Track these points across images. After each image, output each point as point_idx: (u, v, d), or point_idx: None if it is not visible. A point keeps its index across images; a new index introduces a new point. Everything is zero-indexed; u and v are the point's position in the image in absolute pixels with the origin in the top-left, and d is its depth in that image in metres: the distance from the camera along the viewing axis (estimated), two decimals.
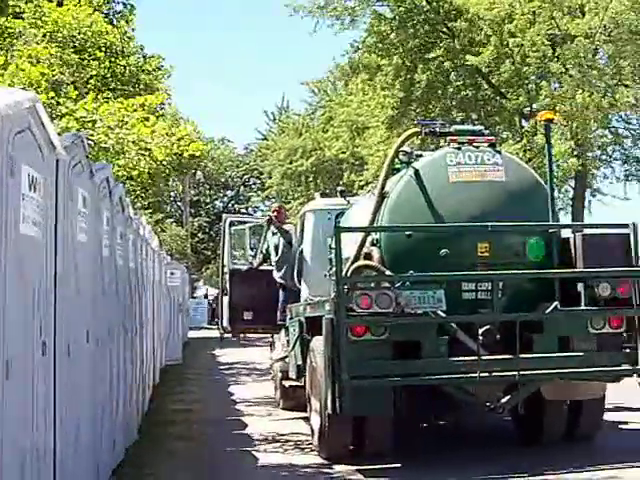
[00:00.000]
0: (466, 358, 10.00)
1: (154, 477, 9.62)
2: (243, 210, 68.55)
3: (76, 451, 7.21)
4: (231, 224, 17.42)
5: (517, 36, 29.15)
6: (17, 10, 21.79)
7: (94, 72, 21.89)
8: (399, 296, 9.83)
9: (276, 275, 15.00)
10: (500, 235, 10.57)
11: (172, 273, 26.88)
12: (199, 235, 69.50)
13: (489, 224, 10.26)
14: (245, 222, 19.55)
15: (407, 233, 10.58)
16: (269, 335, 17.35)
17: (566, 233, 11.11)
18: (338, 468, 10.36)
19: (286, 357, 13.93)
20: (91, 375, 8.06)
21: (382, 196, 10.86)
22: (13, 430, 5.34)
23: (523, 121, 32.60)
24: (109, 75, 23.03)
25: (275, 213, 15.32)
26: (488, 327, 10.03)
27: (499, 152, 11.29)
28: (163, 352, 22.81)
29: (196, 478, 9.91)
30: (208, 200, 73.91)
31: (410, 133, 11.76)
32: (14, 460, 5.40)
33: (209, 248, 68.42)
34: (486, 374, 9.89)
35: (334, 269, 10.32)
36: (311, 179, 50.37)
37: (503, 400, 10.17)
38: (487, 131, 12.10)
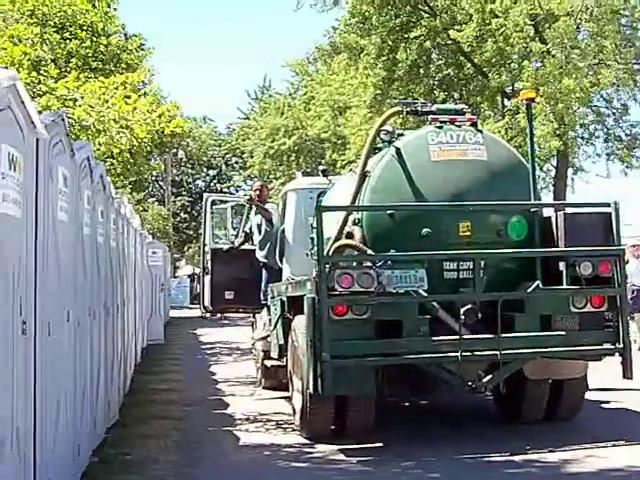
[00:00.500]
0: (448, 337, 10.02)
1: (135, 457, 9.60)
2: (225, 189, 68.35)
3: (56, 430, 7.19)
4: (213, 203, 17.36)
5: (499, 16, 29.15)
6: None
7: (75, 51, 21.78)
8: (380, 275, 9.82)
9: (259, 254, 14.96)
10: (481, 214, 10.57)
11: (154, 252, 26.83)
12: (181, 214, 69.39)
13: (469, 203, 10.26)
14: (227, 201, 19.50)
15: (388, 212, 10.56)
16: (250, 315, 17.35)
17: (549, 212, 11.11)
18: (320, 447, 10.37)
19: (268, 336, 13.93)
20: (72, 354, 8.04)
21: (364, 175, 10.83)
22: None
23: (505, 100, 32.63)
24: (90, 54, 22.91)
25: (257, 192, 15.26)
26: (470, 306, 10.04)
27: (480, 131, 11.28)
28: (145, 331, 22.79)
29: (178, 458, 9.90)
30: (190, 179, 73.71)
31: (391, 112, 11.74)
32: None
33: (191, 227, 68.37)
34: (468, 353, 9.91)
35: (316, 248, 10.31)
36: (293, 158, 50.38)
37: (485, 379, 10.18)
38: (469, 110, 12.09)
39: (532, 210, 10.85)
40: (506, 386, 10.52)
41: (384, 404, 11.00)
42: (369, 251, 10.31)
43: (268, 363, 14.24)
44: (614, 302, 10.38)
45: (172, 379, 16.87)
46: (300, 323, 10.56)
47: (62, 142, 7.59)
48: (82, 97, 15.70)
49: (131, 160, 18.90)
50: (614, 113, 33.33)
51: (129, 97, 16.85)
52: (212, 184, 72.44)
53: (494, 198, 10.45)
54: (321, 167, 15.61)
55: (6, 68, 9.53)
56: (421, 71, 33.36)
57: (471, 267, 10.30)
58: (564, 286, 10.33)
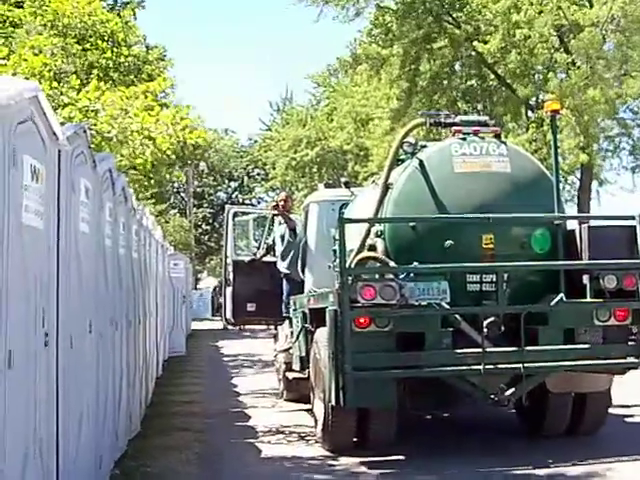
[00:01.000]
0: (470, 350, 9.96)
1: (156, 469, 9.58)
2: (247, 201, 68.51)
3: (79, 442, 7.19)
4: (234, 215, 17.38)
5: (523, 27, 29.05)
6: None
7: (96, 61, 21.86)
8: (403, 287, 9.78)
9: (280, 265, 14.96)
10: (505, 227, 10.51)
11: (175, 264, 26.83)
12: (202, 226, 69.54)
13: (492, 216, 10.20)
14: (249, 213, 19.52)
15: (411, 224, 10.52)
16: (272, 327, 17.33)
17: (572, 225, 11.03)
18: (342, 460, 10.33)
19: (290, 349, 13.91)
20: (94, 366, 8.04)
21: (386, 187, 10.81)
22: (16, 420, 5.32)
23: (529, 112, 32.53)
24: (111, 65, 22.98)
25: (282, 202, 15.27)
26: (493, 319, 9.97)
27: (504, 143, 11.22)
28: (166, 344, 22.80)
29: (199, 470, 9.88)
30: (212, 191, 73.88)
31: (415, 124, 11.71)
32: (17, 450, 5.39)
33: (212, 239, 68.49)
34: (490, 366, 9.84)
35: (338, 260, 10.27)
36: (315, 170, 50.39)
37: (507, 392, 10.11)
38: (492, 122, 12.03)
39: (556, 223, 10.76)
40: (529, 399, 10.45)
41: (406, 417, 10.95)
42: (391, 263, 10.27)
43: (290, 375, 14.21)
44: (638, 316, 10.29)
45: (193, 391, 16.85)
46: (322, 335, 10.53)
47: (84, 154, 7.59)
48: (104, 108, 15.73)
49: (153, 171, 18.93)
50: None
51: (152, 109, 16.88)
52: (234, 196, 72.63)
53: (517, 210, 10.38)
54: (343, 179, 15.58)
55: (27, 79, 9.58)
56: (444, 82, 33.34)
57: (494, 280, 10.24)
58: (588, 299, 10.25)
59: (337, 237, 10.44)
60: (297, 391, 14.34)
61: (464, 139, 10.91)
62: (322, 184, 16.83)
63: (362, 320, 9.88)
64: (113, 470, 9.08)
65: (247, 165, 71.43)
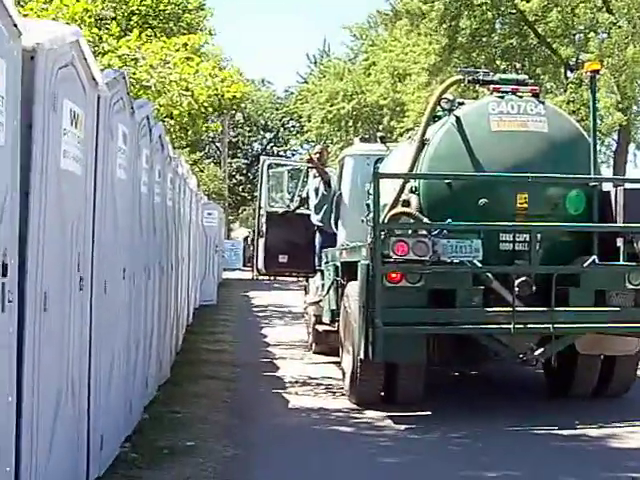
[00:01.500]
0: (501, 309, 9.98)
1: (184, 415, 9.68)
2: (281, 153, 68.39)
3: (110, 387, 7.27)
4: (269, 166, 17.38)
5: None
6: None
7: (136, 9, 21.81)
8: (436, 244, 9.78)
9: (314, 218, 14.97)
10: (540, 187, 10.46)
11: (209, 213, 26.84)
12: (236, 177, 69.52)
13: (529, 175, 10.15)
14: (284, 165, 19.49)
15: (446, 181, 10.50)
16: (303, 279, 17.39)
17: (608, 187, 10.97)
18: (368, 413, 10.39)
19: (320, 301, 13.96)
20: (126, 312, 8.11)
21: (422, 143, 10.77)
22: (49, 361, 5.40)
23: (568, 72, 32.21)
24: (151, 13, 22.92)
25: (317, 155, 15.27)
26: (524, 279, 9.97)
27: (542, 102, 11.15)
28: (198, 292, 22.93)
29: (226, 418, 9.98)
30: (246, 142, 73.79)
31: (453, 80, 11.66)
32: (49, 390, 5.47)
33: (246, 190, 68.50)
34: (520, 326, 9.85)
35: (371, 215, 10.28)
36: (351, 124, 50.13)
37: (536, 352, 10.13)
38: (531, 81, 11.94)
39: (591, 184, 10.71)
40: (557, 360, 10.47)
41: (434, 373, 11.00)
42: (425, 220, 10.27)
43: (319, 328, 14.29)
44: None
45: (223, 340, 16.97)
46: (353, 289, 10.56)
47: (123, 100, 7.60)
48: (144, 58, 15.73)
49: (190, 122, 18.94)
50: None
51: (191, 59, 16.86)
52: (268, 147, 72.48)
53: (553, 171, 10.34)
54: (379, 133, 15.56)
55: (68, 24, 9.59)
56: (483, 40, 33.01)
57: (527, 239, 10.22)
58: (621, 262, 10.22)
59: (371, 192, 10.45)
60: (326, 344, 14.42)
61: (502, 97, 10.85)
62: (358, 138, 16.76)
63: (394, 275, 9.91)
64: (143, 414, 9.20)
65: (282, 117, 71.20)
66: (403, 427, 9.76)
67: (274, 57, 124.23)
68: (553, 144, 10.68)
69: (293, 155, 65.84)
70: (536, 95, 11.10)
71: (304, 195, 15.93)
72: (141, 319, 9.07)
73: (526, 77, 12.03)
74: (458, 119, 10.74)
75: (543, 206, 10.42)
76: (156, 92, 15.93)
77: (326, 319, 13.28)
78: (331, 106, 50.38)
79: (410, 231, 10.30)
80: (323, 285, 13.67)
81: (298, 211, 16.01)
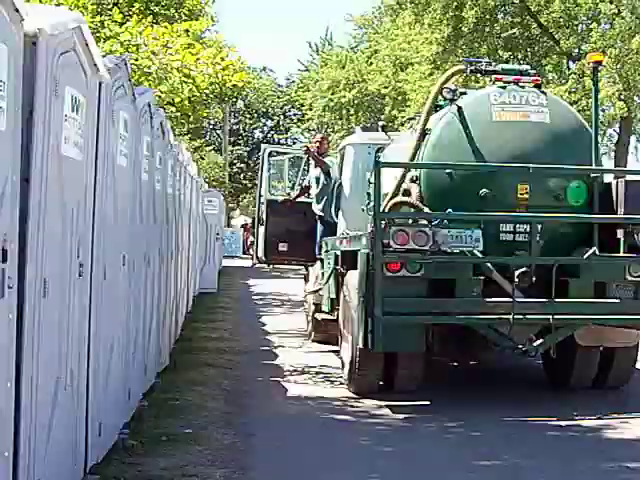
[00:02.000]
0: (501, 299, 9.98)
1: (183, 403, 9.69)
2: (282, 141, 68.31)
3: (108, 373, 7.27)
4: (270, 154, 17.36)
5: None
6: None
7: None
8: (436, 234, 9.78)
9: (315, 207, 14.97)
10: (541, 177, 10.46)
11: (210, 201, 26.81)
12: (237, 164, 69.44)
13: (530, 165, 10.14)
14: (284, 153, 19.48)
15: (447, 171, 10.49)
16: (302, 267, 17.39)
17: (609, 178, 10.96)
18: (366, 402, 10.40)
19: (320, 290, 13.97)
20: (125, 299, 8.10)
21: (424, 133, 10.77)
22: (48, 347, 5.40)
23: (570, 63, 32.17)
24: None
25: (317, 144, 15.25)
26: (524, 269, 9.97)
27: (544, 93, 11.14)
28: (197, 279, 22.92)
29: (225, 406, 9.98)
30: (247, 129, 73.70)
31: (455, 70, 11.63)
32: (48, 376, 5.47)
33: (247, 178, 68.42)
34: (520, 316, 9.85)
35: (372, 204, 10.28)
36: (352, 112, 50.04)
37: (536, 343, 10.13)
38: (533, 71, 11.92)
39: (592, 175, 10.70)
40: (557, 351, 10.47)
41: (432, 363, 11.00)
42: (426, 209, 10.26)
43: (319, 316, 14.29)
44: None
45: (222, 328, 16.97)
46: (353, 278, 10.56)
47: (124, 86, 7.59)
48: (145, 44, 15.70)
49: (190, 109, 18.91)
50: None
51: (192, 46, 16.82)
52: (269, 135, 72.41)
53: (554, 161, 10.32)
54: (381, 122, 15.52)
55: (70, 10, 9.57)
56: (486, 30, 32.94)
57: (528, 230, 10.23)
58: (621, 254, 10.22)
59: (372, 180, 10.44)
60: (325, 332, 14.43)
61: (504, 88, 10.83)
62: (359, 127, 16.81)
63: (394, 265, 9.90)
64: (141, 401, 9.20)
65: (284, 105, 71.14)
66: (402, 416, 9.76)
67: (276, 44, 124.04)
68: (554, 135, 10.67)
69: (294, 143, 65.68)
70: (538, 86, 11.09)
71: (305, 184, 15.92)
72: (140, 306, 9.06)
73: (528, 67, 12.02)
74: (460, 109, 10.72)
75: (544, 197, 10.42)
76: (157, 79, 15.89)
77: (325, 308, 13.28)
78: (332, 94, 50.29)
79: (410, 220, 10.29)
80: (323, 274, 13.67)
81: (299, 199, 16.00)
